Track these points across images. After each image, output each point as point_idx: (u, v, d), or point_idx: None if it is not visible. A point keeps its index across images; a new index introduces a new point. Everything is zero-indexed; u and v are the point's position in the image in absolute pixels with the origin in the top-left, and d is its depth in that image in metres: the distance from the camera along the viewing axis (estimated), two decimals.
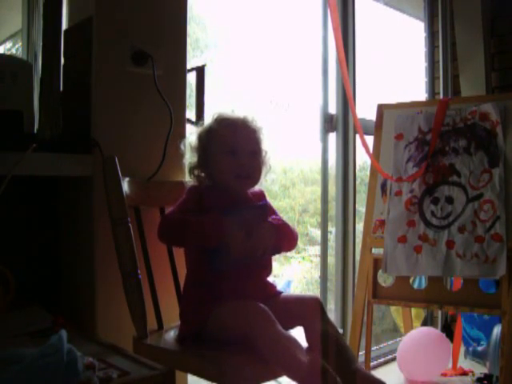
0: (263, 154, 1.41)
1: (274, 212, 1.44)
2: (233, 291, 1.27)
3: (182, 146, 1.43)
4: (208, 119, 1.42)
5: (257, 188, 1.45)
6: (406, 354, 2.22)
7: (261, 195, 1.45)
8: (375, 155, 2.08)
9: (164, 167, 1.48)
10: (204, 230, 1.24)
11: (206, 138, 1.39)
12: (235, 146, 1.35)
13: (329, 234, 2.43)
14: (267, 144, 1.42)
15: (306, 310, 1.28)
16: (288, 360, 1.11)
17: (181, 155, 1.45)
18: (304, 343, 1.23)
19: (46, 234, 1.52)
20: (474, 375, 2.25)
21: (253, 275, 1.33)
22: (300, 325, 1.28)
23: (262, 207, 1.36)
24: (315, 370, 1.09)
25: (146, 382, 0.95)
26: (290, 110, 2.72)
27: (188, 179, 1.50)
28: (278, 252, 1.38)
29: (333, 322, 1.28)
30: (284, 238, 1.35)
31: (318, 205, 2.46)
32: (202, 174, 1.41)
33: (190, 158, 1.41)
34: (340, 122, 2.42)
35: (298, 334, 1.26)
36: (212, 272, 1.28)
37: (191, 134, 1.45)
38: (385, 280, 2.07)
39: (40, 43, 1.46)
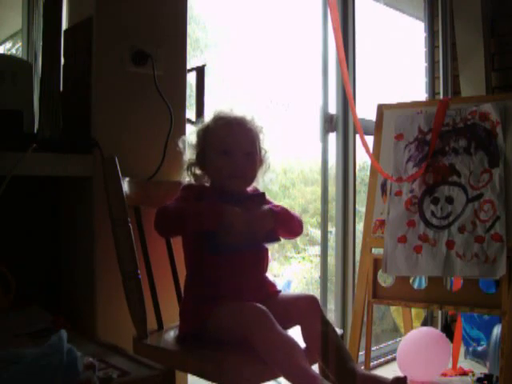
0: (262, 153, 1.41)
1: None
2: (232, 290, 1.28)
3: (180, 144, 1.43)
4: (208, 117, 1.43)
5: (259, 190, 1.45)
6: (406, 354, 2.22)
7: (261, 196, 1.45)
8: (375, 155, 2.08)
9: (164, 167, 1.49)
10: (202, 212, 1.25)
11: (202, 136, 1.40)
12: (229, 146, 1.35)
13: (329, 234, 2.43)
14: (267, 143, 1.42)
15: (303, 308, 1.27)
16: (288, 365, 1.11)
17: (181, 155, 1.45)
18: (302, 342, 1.23)
19: (46, 234, 1.52)
20: (474, 375, 2.25)
21: (251, 272, 1.33)
22: (297, 324, 1.28)
23: (259, 195, 1.37)
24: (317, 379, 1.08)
25: (145, 382, 0.95)
26: (289, 110, 2.73)
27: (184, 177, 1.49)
28: (277, 239, 1.37)
29: (330, 321, 1.28)
30: (283, 223, 1.35)
31: (318, 205, 2.45)
32: (199, 172, 1.41)
33: (189, 154, 1.42)
34: (340, 122, 2.42)
35: (296, 333, 1.26)
36: (210, 258, 1.28)
37: (191, 132, 1.45)
38: (385, 280, 2.07)
39: (40, 43, 1.46)
